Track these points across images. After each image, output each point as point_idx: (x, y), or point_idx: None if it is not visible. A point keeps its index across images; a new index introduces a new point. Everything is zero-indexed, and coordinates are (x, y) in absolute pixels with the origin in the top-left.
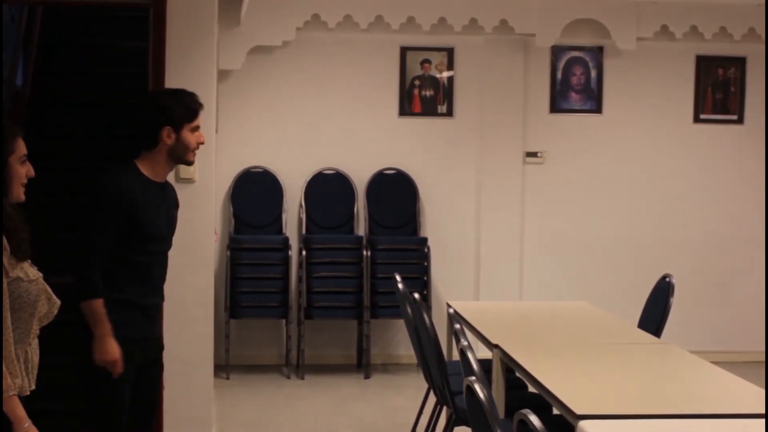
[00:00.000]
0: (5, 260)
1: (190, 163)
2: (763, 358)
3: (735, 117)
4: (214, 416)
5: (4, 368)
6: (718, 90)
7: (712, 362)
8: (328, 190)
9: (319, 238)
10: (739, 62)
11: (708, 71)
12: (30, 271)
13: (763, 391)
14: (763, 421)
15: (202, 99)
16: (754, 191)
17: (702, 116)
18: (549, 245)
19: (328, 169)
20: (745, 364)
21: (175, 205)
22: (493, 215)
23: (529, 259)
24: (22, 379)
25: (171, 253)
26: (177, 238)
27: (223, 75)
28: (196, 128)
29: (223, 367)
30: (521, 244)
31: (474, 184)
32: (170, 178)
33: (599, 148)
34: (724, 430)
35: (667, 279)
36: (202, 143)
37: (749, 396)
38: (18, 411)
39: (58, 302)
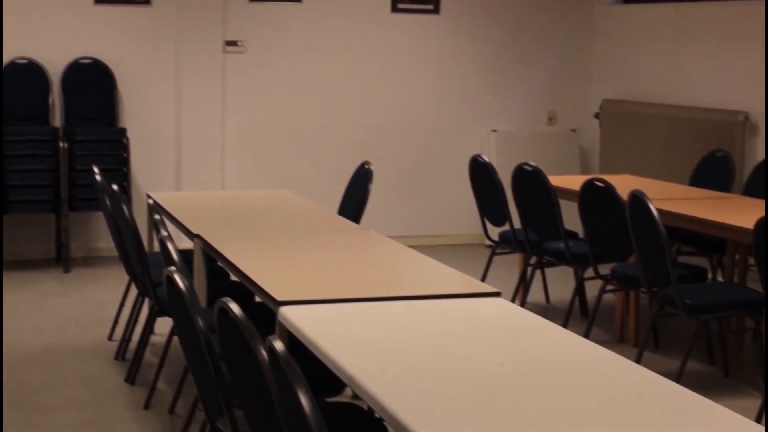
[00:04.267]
0: None
1: None
2: (456, 241)
3: (431, 7)
4: None
5: None
6: None
7: (410, 246)
8: (21, 80)
9: (14, 130)
10: None
11: None
12: None
13: (459, 273)
14: (462, 300)
15: None
16: (449, 80)
17: (399, 5)
18: (250, 134)
19: (20, 58)
20: (440, 248)
21: None
22: (194, 105)
23: (231, 148)
24: None
25: None
26: None
27: None
28: None
29: None
30: (222, 134)
31: (173, 73)
32: None
33: (299, 36)
34: (422, 311)
35: (366, 166)
36: None
37: (446, 278)
38: None
39: None
